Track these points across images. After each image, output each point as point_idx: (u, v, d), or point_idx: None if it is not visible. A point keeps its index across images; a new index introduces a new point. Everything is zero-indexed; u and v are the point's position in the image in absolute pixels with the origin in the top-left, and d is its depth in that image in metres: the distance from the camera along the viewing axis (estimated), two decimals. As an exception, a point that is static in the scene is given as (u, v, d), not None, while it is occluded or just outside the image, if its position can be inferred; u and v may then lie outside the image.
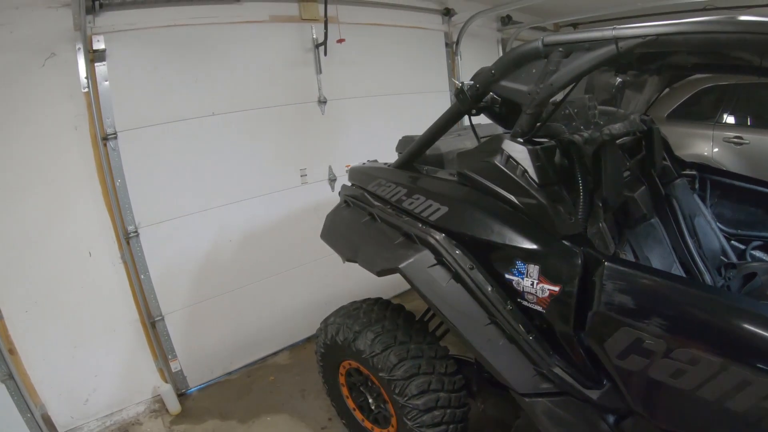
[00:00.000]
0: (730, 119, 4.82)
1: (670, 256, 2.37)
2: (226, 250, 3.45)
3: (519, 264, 1.70)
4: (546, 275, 1.64)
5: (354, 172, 2.52)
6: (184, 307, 3.32)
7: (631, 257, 2.16)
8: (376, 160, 2.62)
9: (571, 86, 1.68)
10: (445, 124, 2.04)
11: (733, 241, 2.92)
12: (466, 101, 1.89)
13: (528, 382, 1.72)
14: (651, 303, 1.43)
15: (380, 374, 2.09)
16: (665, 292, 1.43)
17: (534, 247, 1.67)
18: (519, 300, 1.73)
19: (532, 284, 1.67)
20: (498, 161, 1.74)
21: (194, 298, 3.35)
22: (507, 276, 1.74)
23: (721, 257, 2.82)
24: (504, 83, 1.75)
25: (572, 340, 1.61)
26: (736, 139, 4.65)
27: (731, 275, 2.72)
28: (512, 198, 1.72)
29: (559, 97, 1.79)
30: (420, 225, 1.92)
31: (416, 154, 2.21)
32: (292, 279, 3.80)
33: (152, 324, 3.18)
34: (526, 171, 1.68)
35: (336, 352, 2.36)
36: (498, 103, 1.96)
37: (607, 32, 1.47)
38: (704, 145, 4.83)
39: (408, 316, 2.29)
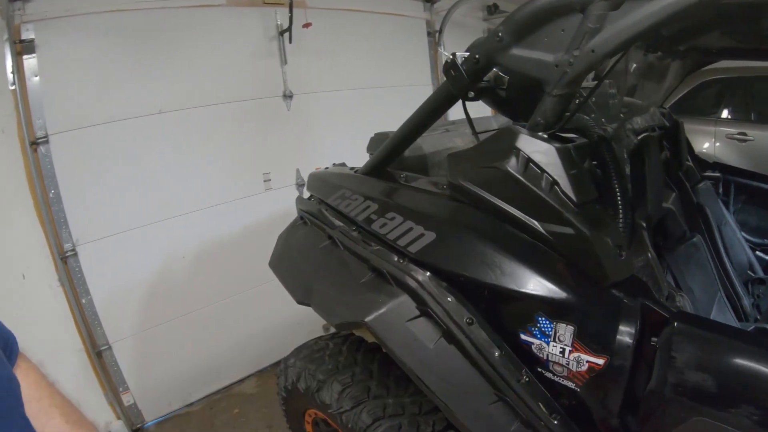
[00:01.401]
0: (732, 114, 4.18)
1: (714, 283, 1.68)
2: (179, 268, 2.72)
3: (543, 322, 1.02)
4: (585, 341, 0.97)
5: (313, 180, 1.75)
6: (135, 334, 2.62)
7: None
8: (344, 164, 1.86)
9: (620, 55, 0.99)
10: (430, 114, 1.28)
11: (758, 252, 2.33)
12: (461, 80, 1.12)
13: (552, 481, 1.05)
14: (744, 384, 0.85)
15: (352, 435, 1.42)
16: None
17: (567, 297, 0.98)
18: (540, 370, 1.06)
19: (563, 352, 1.00)
20: (512, 167, 1.02)
21: (145, 323, 2.65)
22: (524, 337, 1.06)
23: (748, 272, 2.22)
24: (517, 51, 1.03)
25: (617, 428, 0.99)
26: (739, 136, 4.00)
27: (760, 292, 2.13)
28: (535, 225, 1.01)
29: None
30: (396, 258, 1.20)
31: (391, 156, 1.44)
32: (257, 298, 3.05)
33: (98, 354, 2.52)
34: (556, 183, 0.97)
35: (299, 400, 1.71)
36: (504, 84, 1.12)
37: None
38: (705, 142, 4.17)
39: (384, 359, 1.59)
